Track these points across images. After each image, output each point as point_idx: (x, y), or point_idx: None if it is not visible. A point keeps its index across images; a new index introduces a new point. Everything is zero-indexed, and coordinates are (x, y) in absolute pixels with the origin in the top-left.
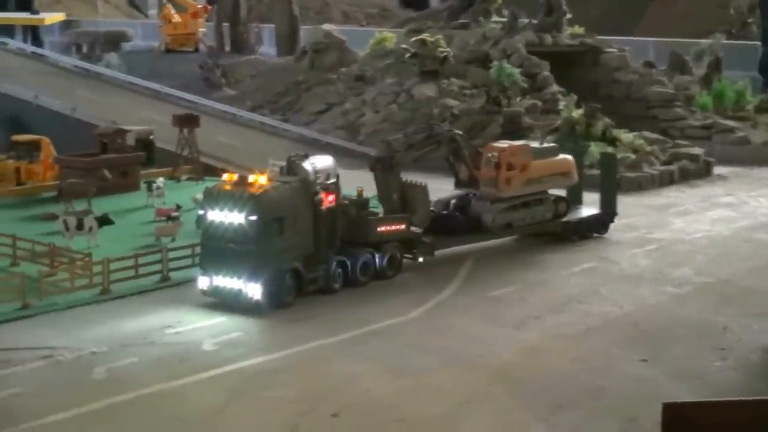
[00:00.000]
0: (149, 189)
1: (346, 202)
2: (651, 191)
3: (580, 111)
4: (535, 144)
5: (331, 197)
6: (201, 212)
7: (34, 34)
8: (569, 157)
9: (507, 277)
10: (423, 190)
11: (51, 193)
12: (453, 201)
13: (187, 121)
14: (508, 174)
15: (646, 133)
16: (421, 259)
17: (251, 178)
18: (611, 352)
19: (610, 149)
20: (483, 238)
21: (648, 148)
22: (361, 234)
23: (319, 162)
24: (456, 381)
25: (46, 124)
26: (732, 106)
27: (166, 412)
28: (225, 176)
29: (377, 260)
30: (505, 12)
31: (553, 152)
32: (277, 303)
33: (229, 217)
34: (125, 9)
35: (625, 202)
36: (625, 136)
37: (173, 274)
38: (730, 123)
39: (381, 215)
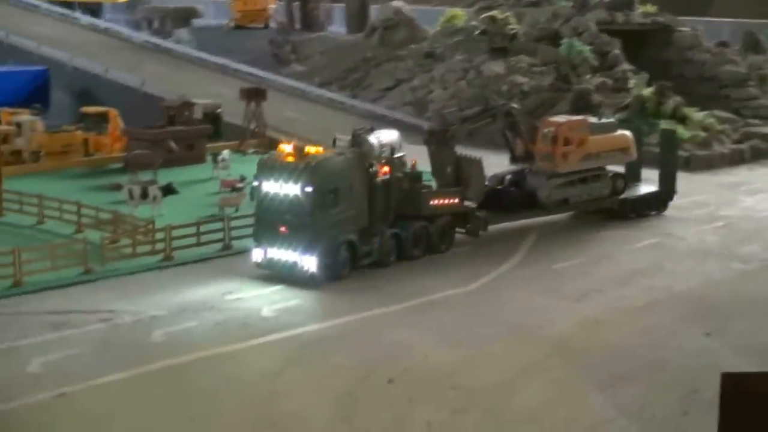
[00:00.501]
0: (215, 161)
1: (399, 174)
2: (721, 170)
3: (651, 89)
4: (593, 119)
5: (385, 169)
6: (255, 183)
7: (92, 12)
8: (628, 133)
9: (570, 252)
10: (478, 164)
11: (118, 164)
12: (508, 176)
13: (255, 95)
14: (565, 149)
15: (717, 112)
16: (474, 234)
17: (307, 148)
18: (674, 325)
19: (679, 128)
20: (538, 214)
21: (719, 127)
22: (414, 207)
23: (384, 136)
24: (514, 352)
25: (115, 97)
26: None
27: (223, 374)
28: (280, 147)
29: (430, 234)
30: None
31: (611, 128)
32: (332, 275)
33: (284, 189)
34: None
35: (693, 180)
36: (696, 114)
37: (235, 243)
38: None
39: (434, 188)
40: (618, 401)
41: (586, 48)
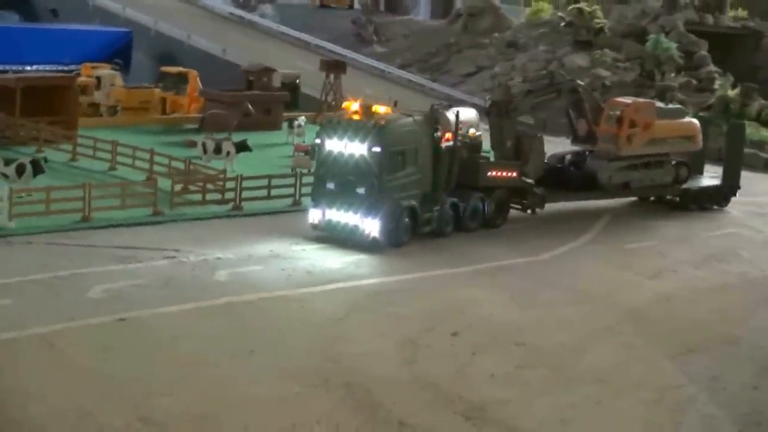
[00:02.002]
0: (290, 127)
1: (459, 143)
2: None
3: (736, 90)
4: (660, 104)
5: (448, 135)
6: (317, 141)
7: None
8: (695, 120)
9: (645, 233)
10: (539, 140)
11: (194, 124)
12: (568, 156)
13: (335, 67)
14: (630, 131)
15: None
16: (530, 210)
17: (374, 107)
18: (749, 306)
19: (763, 130)
20: (597, 196)
21: None
22: (471, 177)
23: (463, 113)
24: (583, 316)
25: (196, 63)
26: None
27: (286, 314)
28: (345, 104)
29: (486, 206)
30: None
31: (679, 114)
32: (394, 241)
33: (349, 148)
34: None
35: None
36: None
37: (304, 201)
38: None
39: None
40: (689, 370)
41: (673, 45)
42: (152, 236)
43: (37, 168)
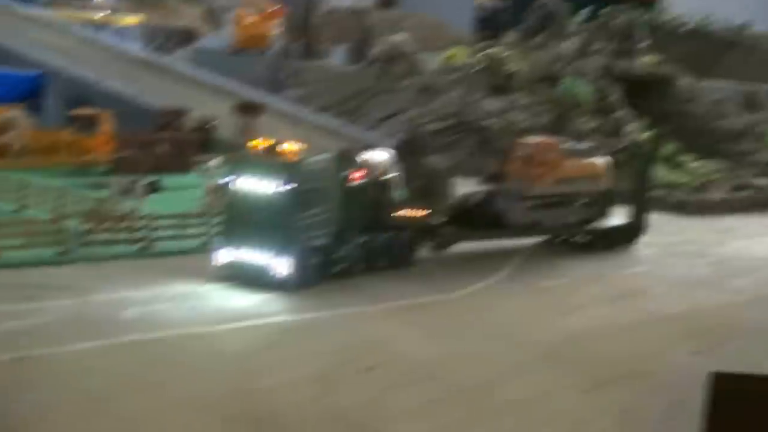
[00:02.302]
0: (203, 168)
1: (367, 182)
2: (715, 215)
3: (649, 134)
4: (569, 143)
5: (359, 174)
6: (227, 180)
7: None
8: (605, 160)
9: (559, 271)
10: (447, 179)
11: (106, 166)
12: (477, 195)
13: (250, 109)
14: (539, 170)
15: (713, 163)
16: (439, 249)
17: (284, 146)
18: (662, 342)
19: (676, 173)
20: (507, 235)
21: (714, 176)
22: (381, 216)
23: (377, 155)
24: (496, 352)
25: (110, 106)
26: None
27: (196, 350)
28: (252, 143)
29: (395, 245)
30: (578, 37)
31: (588, 153)
32: (305, 281)
33: (259, 186)
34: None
35: (685, 223)
36: (693, 163)
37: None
38: None
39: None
40: (600, 404)
41: (585, 89)
42: (60, 275)
43: None
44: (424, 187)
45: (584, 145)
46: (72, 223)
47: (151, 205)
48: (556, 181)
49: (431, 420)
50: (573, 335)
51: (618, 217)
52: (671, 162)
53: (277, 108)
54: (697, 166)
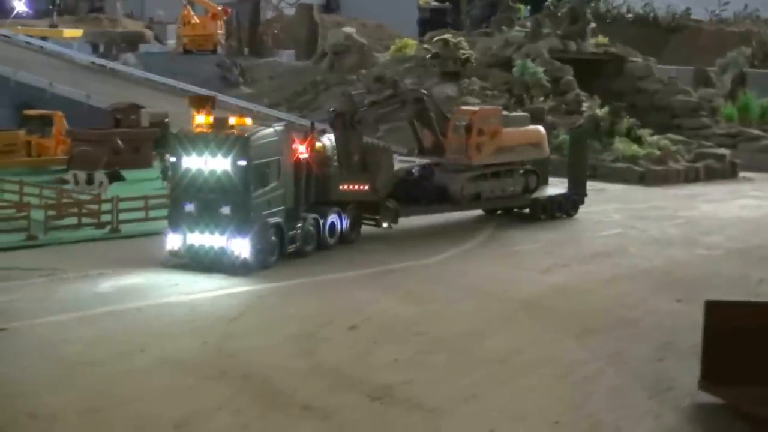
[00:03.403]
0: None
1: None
2: (677, 185)
3: (605, 109)
4: (505, 112)
5: (302, 147)
6: (171, 158)
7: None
8: (541, 127)
9: (531, 237)
10: (387, 152)
11: (62, 165)
12: (415, 169)
13: (204, 102)
14: (479, 140)
15: (671, 136)
16: (385, 225)
17: (232, 120)
18: (644, 293)
19: (635, 147)
20: (450, 209)
21: (673, 147)
22: (324, 191)
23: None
24: (480, 308)
25: (61, 110)
26: (757, 121)
27: (175, 317)
28: (194, 119)
29: (342, 221)
30: (528, 23)
31: (524, 121)
32: (263, 262)
33: (209, 163)
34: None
35: (650, 192)
36: (651, 137)
37: None
38: (756, 132)
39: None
40: (591, 348)
41: (539, 69)
42: (27, 258)
43: None
44: (363, 161)
45: (519, 114)
46: (36, 214)
47: (113, 193)
48: (496, 151)
49: (421, 370)
50: (555, 289)
51: (554, 186)
52: (630, 136)
53: (229, 105)
54: (655, 139)
